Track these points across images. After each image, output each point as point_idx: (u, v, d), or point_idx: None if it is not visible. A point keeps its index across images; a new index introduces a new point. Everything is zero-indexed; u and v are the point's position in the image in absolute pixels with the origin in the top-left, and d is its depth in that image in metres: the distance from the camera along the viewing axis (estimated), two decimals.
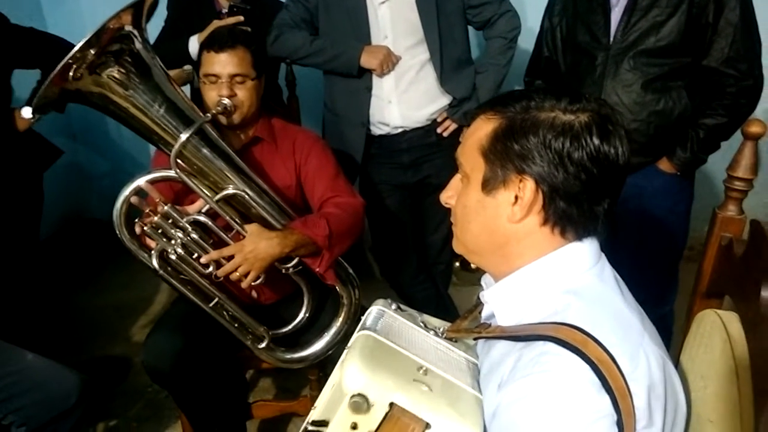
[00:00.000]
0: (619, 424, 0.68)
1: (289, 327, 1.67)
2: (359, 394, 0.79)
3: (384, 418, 0.79)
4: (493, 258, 0.86)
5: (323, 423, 0.84)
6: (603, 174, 0.77)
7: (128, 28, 1.33)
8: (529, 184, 0.78)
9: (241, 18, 1.95)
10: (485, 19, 1.98)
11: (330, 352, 1.68)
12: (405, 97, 1.97)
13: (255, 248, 1.44)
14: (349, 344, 0.90)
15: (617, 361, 0.70)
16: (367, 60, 1.89)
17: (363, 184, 2.10)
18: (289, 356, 1.67)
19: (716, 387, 0.87)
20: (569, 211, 0.78)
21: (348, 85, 1.97)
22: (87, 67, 1.29)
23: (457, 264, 2.66)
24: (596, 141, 0.76)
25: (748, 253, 0.87)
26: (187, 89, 2.05)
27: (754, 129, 0.98)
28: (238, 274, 1.46)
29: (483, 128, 0.82)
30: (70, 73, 1.27)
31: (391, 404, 0.79)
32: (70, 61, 1.24)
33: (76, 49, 1.24)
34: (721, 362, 0.88)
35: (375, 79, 1.94)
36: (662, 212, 1.73)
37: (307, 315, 1.67)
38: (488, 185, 0.81)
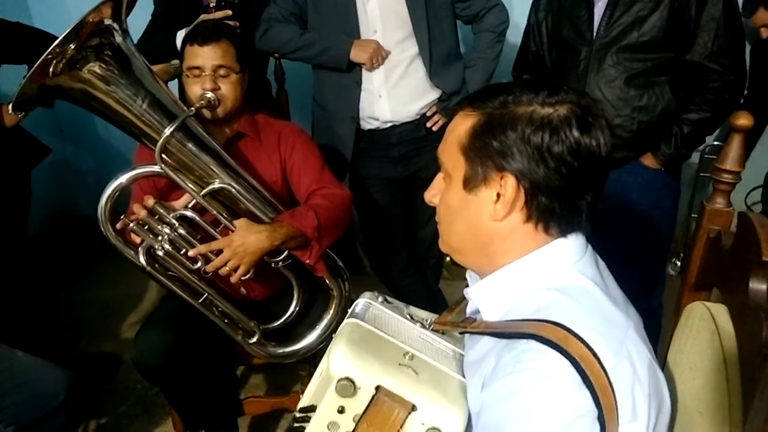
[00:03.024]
0: (601, 419, 0.68)
1: (280, 321, 1.66)
2: (346, 378, 0.79)
3: (370, 401, 0.80)
4: (478, 256, 0.85)
5: (311, 408, 0.84)
6: (584, 167, 0.76)
7: (108, 21, 1.30)
8: (510, 181, 0.76)
9: (229, 12, 1.93)
10: (474, 13, 1.99)
11: (321, 345, 1.68)
12: (395, 91, 1.96)
13: (244, 242, 1.44)
14: (336, 332, 0.90)
15: (599, 356, 0.69)
16: (356, 54, 1.88)
17: (353, 178, 2.09)
18: (280, 351, 1.67)
19: (705, 378, 0.88)
20: (551, 207, 0.77)
21: (337, 79, 1.96)
22: (67, 63, 1.26)
23: (448, 258, 2.65)
24: (576, 134, 0.74)
25: (736, 246, 0.88)
26: (174, 84, 2.03)
27: (742, 121, 0.98)
28: (227, 268, 1.45)
29: (462, 125, 0.80)
30: (50, 69, 1.24)
31: (378, 387, 0.80)
32: (50, 56, 1.22)
33: (54, 45, 1.21)
34: (709, 354, 0.88)
35: (365, 74, 1.94)
36: (647, 207, 1.74)
37: (297, 309, 1.67)
38: (469, 183, 0.80)
